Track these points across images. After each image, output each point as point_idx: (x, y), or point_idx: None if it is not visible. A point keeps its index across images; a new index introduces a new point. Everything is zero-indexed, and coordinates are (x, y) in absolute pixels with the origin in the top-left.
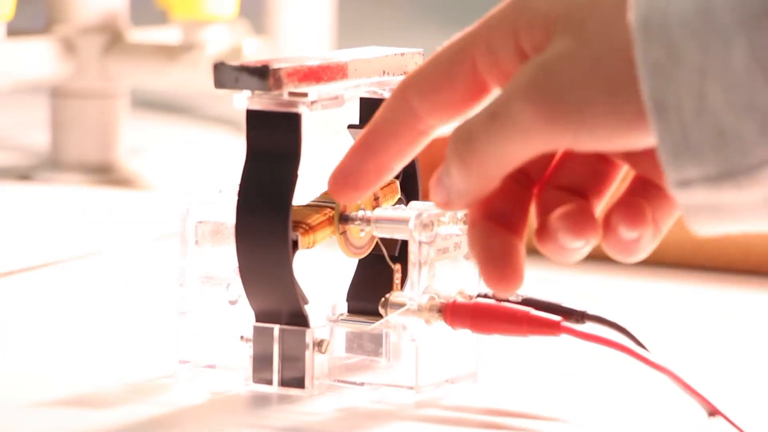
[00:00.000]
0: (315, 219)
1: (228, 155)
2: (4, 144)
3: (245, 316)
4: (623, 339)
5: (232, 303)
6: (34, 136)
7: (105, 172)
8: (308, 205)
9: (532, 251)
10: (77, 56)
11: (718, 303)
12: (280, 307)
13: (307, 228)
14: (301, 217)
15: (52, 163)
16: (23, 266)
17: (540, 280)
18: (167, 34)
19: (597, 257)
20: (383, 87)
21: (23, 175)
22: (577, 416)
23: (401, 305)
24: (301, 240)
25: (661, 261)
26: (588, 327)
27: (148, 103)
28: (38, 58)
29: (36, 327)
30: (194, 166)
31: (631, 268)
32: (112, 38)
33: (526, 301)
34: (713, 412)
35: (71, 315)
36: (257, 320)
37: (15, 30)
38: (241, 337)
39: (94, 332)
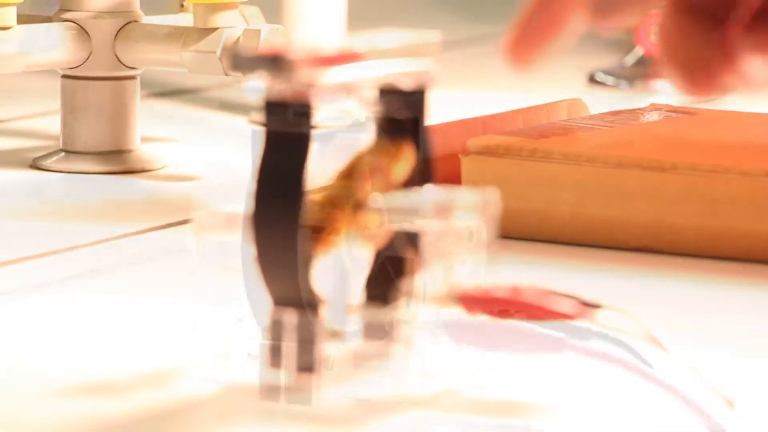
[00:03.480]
0: (333, 229)
1: (242, 143)
2: (16, 131)
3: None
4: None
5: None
6: (46, 123)
7: (118, 160)
8: (324, 201)
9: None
10: (90, 41)
11: (733, 294)
12: (295, 295)
13: (322, 233)
14: (320, 220)
15: (64, 150)
16: (33, 254)
17: (551, 269)
18: (181, 20)
19: (609, 242)
20: (398, 75)
21: (35, 161)
22: (583, 418)
23: (416, 294)
24: (318, 248)
25: (678, 249)
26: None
27: (162, 89)
28: (50, 43)
29: (46, 316)
30: (208, 155)
31: (645, 257)
32: (125, 23)
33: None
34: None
35: (81, 305)
36: (273, 307)
37: (27, 14)
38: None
39: (104, 323)
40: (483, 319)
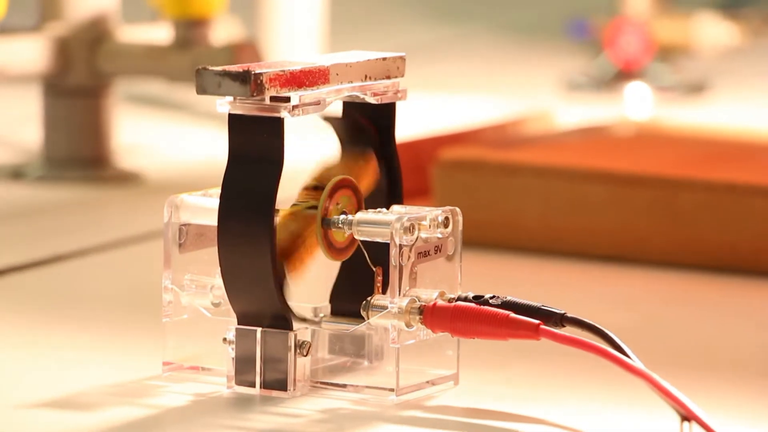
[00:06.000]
0: (302, 249)
1: (220, 153)
2: None
3: (228, 319)
4: (602, 342)
5: (215, 306)
6: (26, 134)
7: (96, 169)
8: (292, 215)
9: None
10: (69, 54)
11: (701, 302)
12: (262, 310)
13: (295, 258)
14: (287, 243)
15: (43, 160)
16: (10, 265)
17: (519, 280)
18: (157, 32)
19: (576, 252)
20: (365, 91)
21: (15, 172)
22: (555, 417)
23: (382, 308)
24: (290, 274)
25: (646, 258)
26: (567, 330)
27: (139, 100)
28: (30, 56)
29: (21, 328)
30: (186, 164)
31: (612, 266)
32: (103, 36)
33: (506, 304)
34: (688, 416)
35: (56, 316)
36: (239, 323)
37: (7, 28)
38: (224, 339)
39: (79, 334)
40: (459, 305)
